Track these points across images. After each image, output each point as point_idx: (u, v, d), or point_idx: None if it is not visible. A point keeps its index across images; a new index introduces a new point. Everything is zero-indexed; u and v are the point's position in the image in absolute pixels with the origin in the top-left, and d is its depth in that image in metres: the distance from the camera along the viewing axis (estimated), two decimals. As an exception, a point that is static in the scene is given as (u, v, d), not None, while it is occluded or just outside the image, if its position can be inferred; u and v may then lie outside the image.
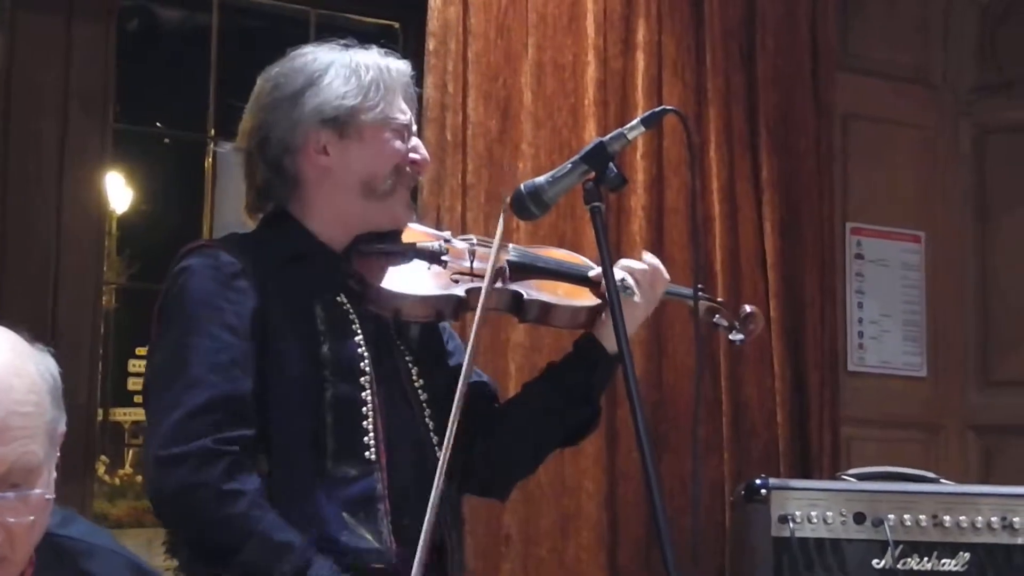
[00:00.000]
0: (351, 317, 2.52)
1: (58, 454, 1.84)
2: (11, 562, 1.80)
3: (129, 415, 7.34)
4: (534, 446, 2.71)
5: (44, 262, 3.56)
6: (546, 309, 2.64)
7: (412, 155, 2.59)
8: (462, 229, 2.85)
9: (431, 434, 2.56)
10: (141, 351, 6.80)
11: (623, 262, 2.67)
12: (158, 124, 4.54)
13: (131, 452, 4.79)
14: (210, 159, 4.39)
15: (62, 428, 1.84)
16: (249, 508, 2.35)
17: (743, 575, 3.32)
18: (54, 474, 1.81)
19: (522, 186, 2.48)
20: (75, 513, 2.00)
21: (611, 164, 2.45)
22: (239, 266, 2.49)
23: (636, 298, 2.62)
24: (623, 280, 2.65)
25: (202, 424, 2.35)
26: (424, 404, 2.60)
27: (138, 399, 6.73)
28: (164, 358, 2.44)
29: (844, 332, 4.03)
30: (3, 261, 3.61)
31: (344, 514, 2.43)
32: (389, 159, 2.55)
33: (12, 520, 1.75)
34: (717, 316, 2.82)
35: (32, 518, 1.78)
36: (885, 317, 4.14)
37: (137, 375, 6.98)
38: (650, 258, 2.71)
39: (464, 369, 2.46)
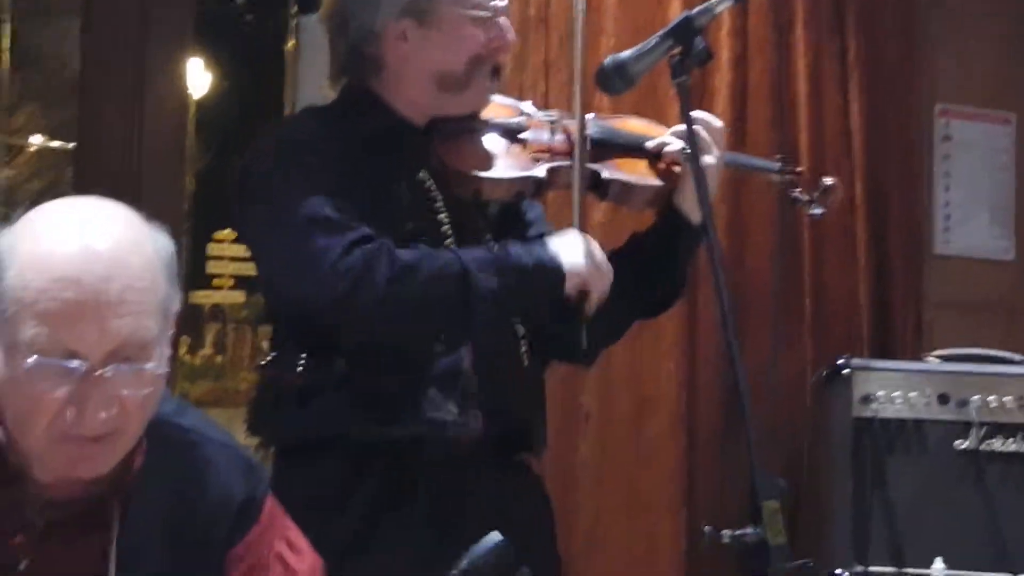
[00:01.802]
0: (433, 194, 2.56)
1: (171, 331, 1.88)
2: (124, 436, 1.86)
3: (208, 297, 7.38)
4: (619, 315, 2.74)
5: (127, 147, 3.61)
6: (626, 188, 2.68)
7: (494, 42, 2.60)
8: (545, 107, 2.85)
9: None
10: (219, 235, 6.80)
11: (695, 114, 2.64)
12: (237, 1, 4.57)
13: (211, 333, 4.85)
14: (292, 40, 4.41)
15: (176, 306, 1.89)
16: (433, 258, 2.42)
17: (822, 457, 3.36)
18: (168, 351, 1.87)
19: (607, 61, 2.49)
20: (189, 404, 2.07)
21: (698, 39, 2.46)
22: (323, 139, 2.53)
23: (711, 158, 2.63)
24: (684, 150, 2.67)
25: (352, 253, 2.37)
26: None
27: (216, 282, 6.78)
28: (285, 210, 2.45)
29: (930, 215, 4.02)
30: (87, 146, 3.68)
31: (431, 389, 2.49)
32: (466, 50, 2.57)
33: (126, 393, 1.81)
34: (797, 191, 2.84)
35: (145, 392, 1.84)
36: (972, 200, 4.12)
37: (215, 258, 7.02)
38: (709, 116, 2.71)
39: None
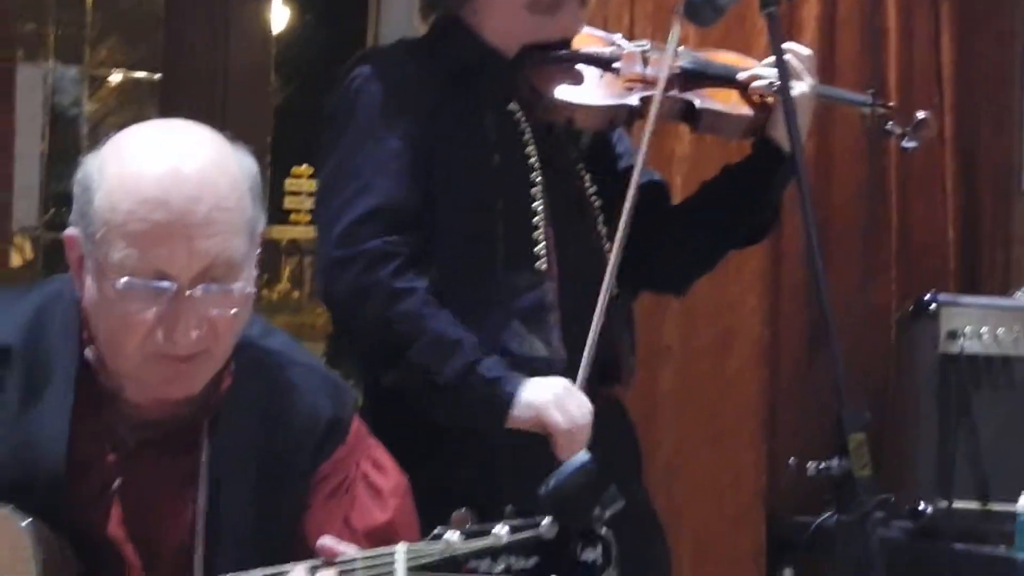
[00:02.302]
0: (523, 126, 2.56)
1: (258, 252, 1.90)
2: (213, 356, 1.88)
3: (285, 232, 7.43)
4: (712, 244, 2.74)
5: (212, 80, 3.63)
6: (718, 118, 2.66)
7: None
8: (630, 38, 2.84)
9: (604, 242, 2.60)
10: (297, 170, 6.87)
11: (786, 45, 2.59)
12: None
13: (288, 268, 4.90)
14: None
15: (261, 227, 1.90)
16: (420, 306, 2.42)
17: (907, 392, 3.35)
18: (255, 271, 1.88)
19: (697, -10, 2.48)
20: (276, 327, 2.08)
21: (787, -32, 2.44)
22: (411, 73, 2.54)
23: (805, 87, 2.60)
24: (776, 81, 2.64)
25: (373, 227, 2.42)
26: (598, 211, 2.64)
27: (294, 217, 6.82)
28: (336, 165, 2.51)
29: (1020, 150, 3.96)
30: (172, 78, 3.71)
31: (515, 322, 2.50)
32: None
33: (215, 312, 1.83)
34: (890, 123, 2.82)
35: (234, 311, 1.85)
36: (1062, 134, 4.08)
37: (293, 193, 7.08)
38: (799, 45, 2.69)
39: (634, 178, 2.50)
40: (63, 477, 1.88)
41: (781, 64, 2.48)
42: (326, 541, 1.74)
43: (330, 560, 1.72)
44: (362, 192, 2.43)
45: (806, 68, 2.62)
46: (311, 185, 4.63)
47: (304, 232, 4.79)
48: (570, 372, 2.49)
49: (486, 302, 2.47)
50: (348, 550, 1.73)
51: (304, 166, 4.58)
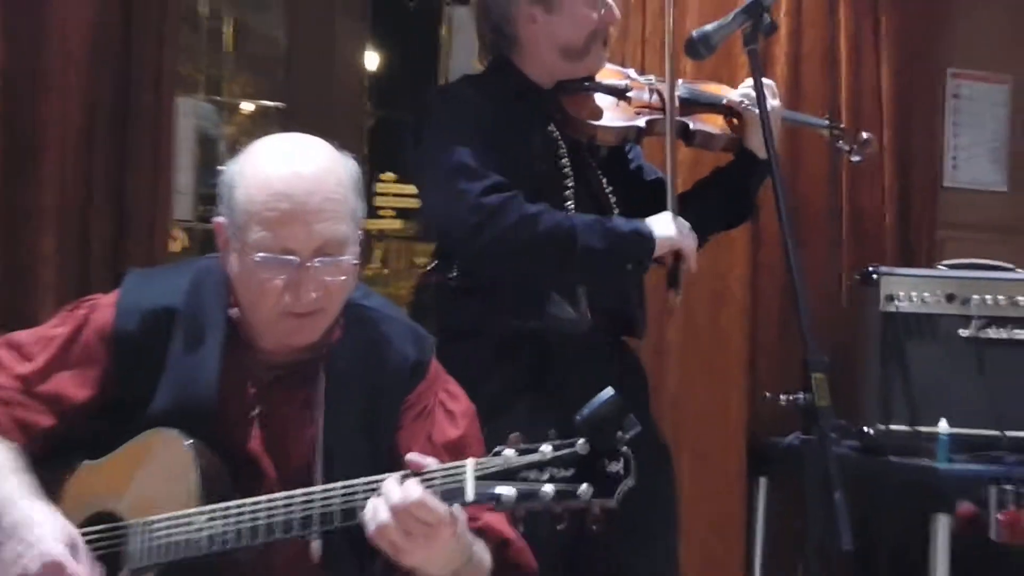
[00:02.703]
0: (559, 143, 2.55)
1: (360, 232, 1.90)
2: (327, 313, 1.89)
3: (376, 224, 7.46)
4: (704, 228, 2.73)
5: (321, 106, 3.64)
6: (707, 137, 2.66)
7: (606, 18, 2.58)
8: (642, 72, 2.83)
9: None
10: (384, 176, 6.90)
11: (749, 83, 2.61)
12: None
13: (378, 251, 4.90)
14: (445, 26, 4.40)
15: (361, 214, 1.91)
16: (553, 214, 2.43)
17: (856, 342, 3.33)
18: (357, 247, 1.89)
19: (694, 33, 2.46)
20: (373, 290, 2.08)
21: (765, 15, 2.42)
22: (476, 100, 2.54)
23: (774, 107, 2.58)
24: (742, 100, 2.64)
25: (487, 195, 2.39)
26: (613, 205, 2.63)
27: (382, 212, 6.81)
28: (440, 157, 2.46)
29: (941, 155, 3.96)
30: (291, 105, 3.72)
31: (553, 293, 2.50)
32: (584, 27, 2.56)
33: (328, 279, 1.84)
34: (841, 141, 2.81)
35: (342, 278, 1.87)
36: (974, 144, 4.04)
37: (381, 194, 7.11)
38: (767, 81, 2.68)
39: (669, 191, 2.50)
40: (216, 406, 1.89)
41: (759, 88, 2.46)
42: (412, 456, 1.74)
43: (416, 471, 1.71)
44: (472, 175, 2.40)
45: (773, 95, 2.60)
46: (394, 188, 4.63)
47: (389, 224, 4.77)
48: (595, 331, 2.51)
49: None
50: (430, 462, 1.73)
51: (390, 173, 4.58)
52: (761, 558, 3.44)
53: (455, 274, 2.51)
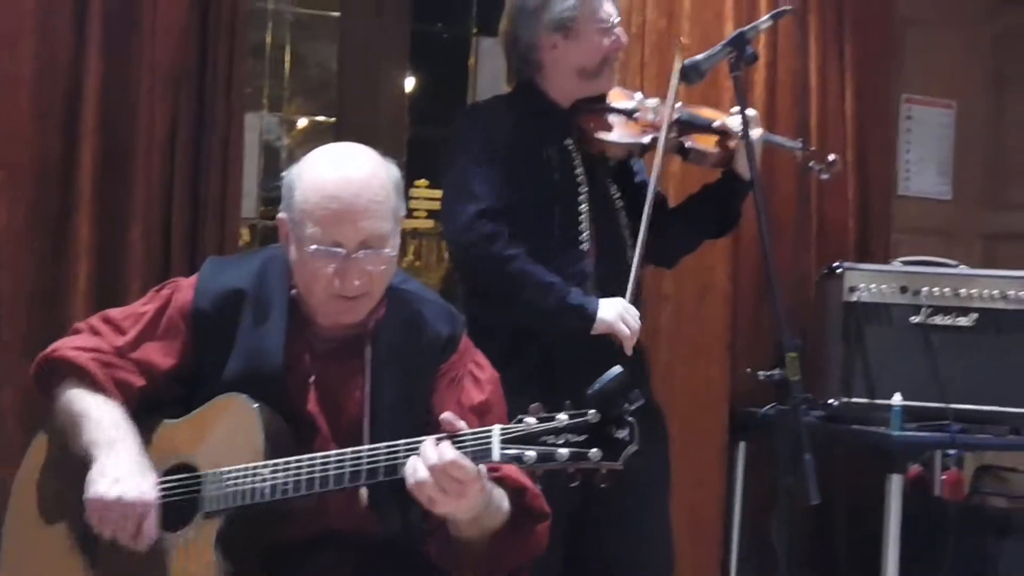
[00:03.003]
0: (575, 156, 2.54)
1: (400, 228, 1.89)
2: (371, 296, 1.88)
3: (410, 223, 7.45)
4: (695, 235, 2.74)
5: (369, 122, 3.62)
6: (700, 154, 2.64)
7: (615, 44, 2.57)
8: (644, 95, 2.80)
9: (625, 231, 2.58)
10: (418, 183, 6.89)
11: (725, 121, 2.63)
12: (440, 24, 4.56)
13: (412, 247, 4.88)
14: (473, 57, 4.39)
15: (402, 212, 1.90)
16: (523, 264, 2.41)
17: (823, 327, 3.30)
18: (398, 240, 1.87)
19: (686, 62, 2.45)
20: (411, 276, 2.07)
21: (748, 46, 2.41)
22: (500, 119, 2.53)
23: (756, 134, 2.57)
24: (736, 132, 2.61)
25: (482, 220, 2.40)
26: (621, 211, 2.62)
27: (416, 214, 6.80)
28: (457, 176, 2.47)
29: (895, 169, 3.92)
30: (343, 120, 3.70)
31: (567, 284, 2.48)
32: (597, 53, 2.55)
33: (371, 268, 1.83)
34: (811, 162, 2.80)
35: (383, 267, 1.86)
36: (924, 159, 4.01)
37: (414, 198, 7.11)
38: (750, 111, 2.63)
39: (650, 193, 2.48)
40: (281, 372, 1.89)
41: (743, 112, 2.45)
42: (447, 416, 1.73)
43: (451, 433, 1.71)
44: (472, 199, 2.41)
45: (755, 123, 2.58)
46: (428, 193, 4.62)
47: (422, 224, 4.76)
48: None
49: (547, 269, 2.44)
50: (462, 425, 1.72)
51: (424, 180, 4.58)
52: (740, 513, 3.41)
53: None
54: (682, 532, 2.88)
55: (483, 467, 1.70)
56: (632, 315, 2.43)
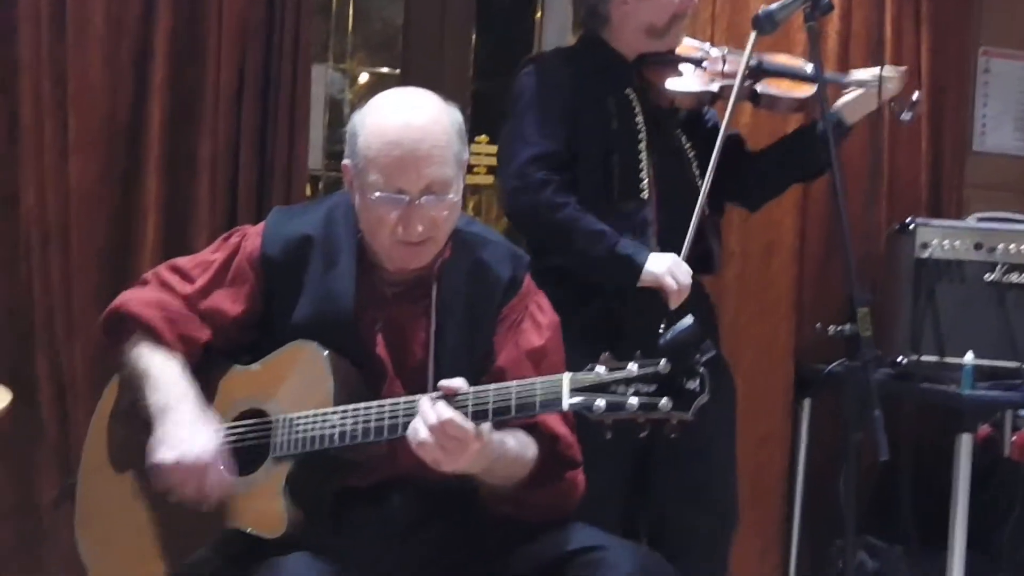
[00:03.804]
0: (634, 105, 2.52)
1: (464, 172, 1.88)
2: (435, 241, 1.88)
3: (470, 179, 7.44)
4: (783, 180, 2.70)
5: (434, 74, 3.61)
6: (772, 99, 2.59)
7: (685, 3, 2.53)
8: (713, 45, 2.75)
9: (697, 181, 2.54)
10: (479, 139, 6.87)
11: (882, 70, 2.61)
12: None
13: (472, 201, 4.86)
14: (540, 11, 4.35)
15: (466, 157, 1.89)
16: (573, 211, 2.39)
17: (893, 284, 3.23)
18: (461, 185, 1.86)
19: (760, 11, 2.42)
20: (476, 219, 2.08)
21: (824, -5, 2.36)
22: (561, 69, 2.52)
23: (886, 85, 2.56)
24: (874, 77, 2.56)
25: (535, 167, 2.39)
26: (692, 158, 2.59)
27: (476, 169, 6.80)
28: (513, 126, 2.48)
29: (971, 123, 3.81)
30: (407, 72, 3.69)
31: (627, 234, 2.46)
32: (667, 10, 2.53)
33: (434, 214, 1.83)
34: (893, 101, 2.73)
35: (447, 213, 1.85)
36: (1001, 114, 3.88)
37: (475, 154, 7.09)
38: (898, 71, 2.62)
39: (719, 141, 2.44)
40: (352, 316, 1.89)
41: (817, 60, 2.39)
42: (444, 382, 1.74)
43: (448, 395, 1.71)
44: (526, 145, 2.41)
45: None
46: (488, 149, 4.60)
47: (482, 179, 4.75)
48: None
49: (605, 220, 2.43)
50: (461, 385, 1.73)
51: (484, 136, 4.56)
52: (803, 471, 3.38)
53: None
54: (745, 489, 2.86)
55: (485, 426, 1.70)
56: (683, 271, 2.39)
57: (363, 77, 4.52)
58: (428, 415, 1.69)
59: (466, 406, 1.71)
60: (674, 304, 2.38)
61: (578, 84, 2.47)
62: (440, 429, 1.67)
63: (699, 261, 2.55)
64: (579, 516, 1.91)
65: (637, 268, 2.38)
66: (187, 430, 1.81)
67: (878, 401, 2.20)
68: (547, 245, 2.43)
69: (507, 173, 2.43)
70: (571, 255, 2.40)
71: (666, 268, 2.37)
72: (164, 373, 1.87)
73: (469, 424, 1.68)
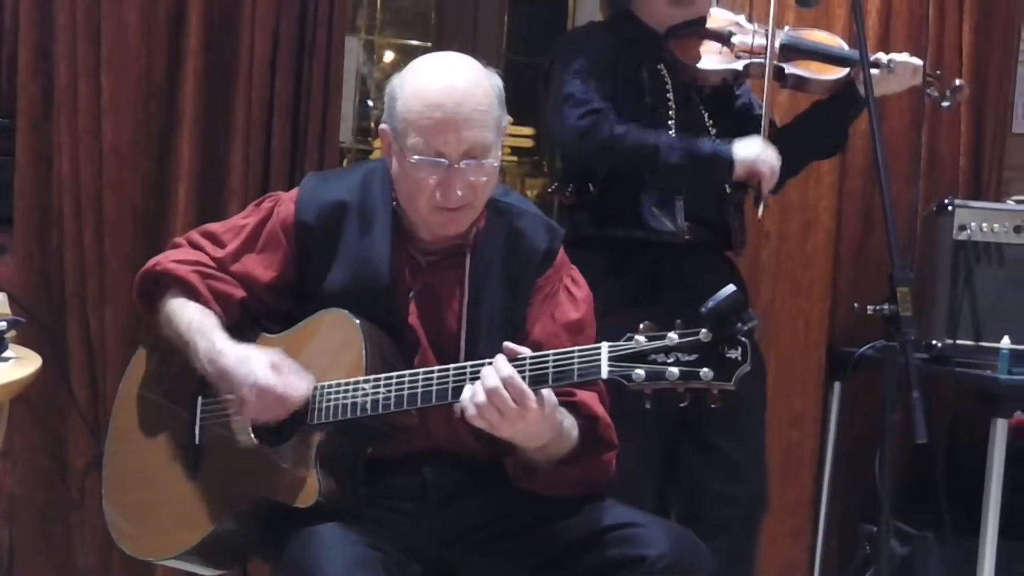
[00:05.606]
0: (665, 80, 2.49)
1: (503, 138, 1.84)
2: (472, 207, 1.84)
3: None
4: (803, 155, 2.67)
5: (466, 49, 3.56)
6: (801, 80, 2.53)
7: None
8: (751, 19, 2.68)
9: None
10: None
11: (894, 55, 2.54)
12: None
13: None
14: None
15: (505, 122, 1.85)
16: (639, 131, 2.39)
17: (930, 266, 3.15)
18: (500, 152, 1.82)
19: (801, -16, 2.35)
20: (512, 189, 2.04)
21: (864, -28, 2.29)
22: (598, 37, 2.52)
23: (889, 75, 2.49)
24: (889, 61, 2.51)
25: (583, 111, 2.38)
26: (713, 136, 2.55)
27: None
28: (555, 91, 2.45)
29: (1012, 104, 3.69)
30: (440, 49, 3.64)
31: (653, 208, 2.43)
32: None
33: (473, 179, 1.79)
34: (930, 88, 2.66)
35: (485, 178, 1.81)
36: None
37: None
38: (912, 59, 2.53)
39: (765, 110, 2.39)
40: (388, 284, 1.86)
41: (861, 35, 2.33)
42: (509, 344, 1.71)
43: (511, 357, 1.67)
44: (575, 103, 2.39)
45: (898, 69, 2.51)
46: (514, 130, 4.57)
47: (506, 159, 4.74)
48: (690, 242, 2.46)
49: (634, 191, 2.42)
50: (524, 351, 1.69)
51: (509, 117, 4.55)
52: (832, 453, 3.33)
53: (571, 191, 2.50)
54: (775, 470, 2.81)
55: (547, 392, 1.66)
56: (771, 152, 2.37)
57: (389, 54, 4.50)
58: (488, 376, 1.65)
59: (523, 371, 1.67)
60: (767, 188, 2.38)
61: (615, 55, 2.46)
62: (499, 390, 1.64)
63: (720, 238, 2.52)
64: (612, 493, 1.88)
65: (726, 160, 2.36)
66: (243, 360, 1.79)
67: (917, 381, 2.14)
68: (631, 176, 2.41)
69: (563, 129, 2.40)
70: (654, 175, 2.38)
71: (756, 152, 2.36)
72: (204, 323, 1.85)
73: (529, 391, 1.65)
